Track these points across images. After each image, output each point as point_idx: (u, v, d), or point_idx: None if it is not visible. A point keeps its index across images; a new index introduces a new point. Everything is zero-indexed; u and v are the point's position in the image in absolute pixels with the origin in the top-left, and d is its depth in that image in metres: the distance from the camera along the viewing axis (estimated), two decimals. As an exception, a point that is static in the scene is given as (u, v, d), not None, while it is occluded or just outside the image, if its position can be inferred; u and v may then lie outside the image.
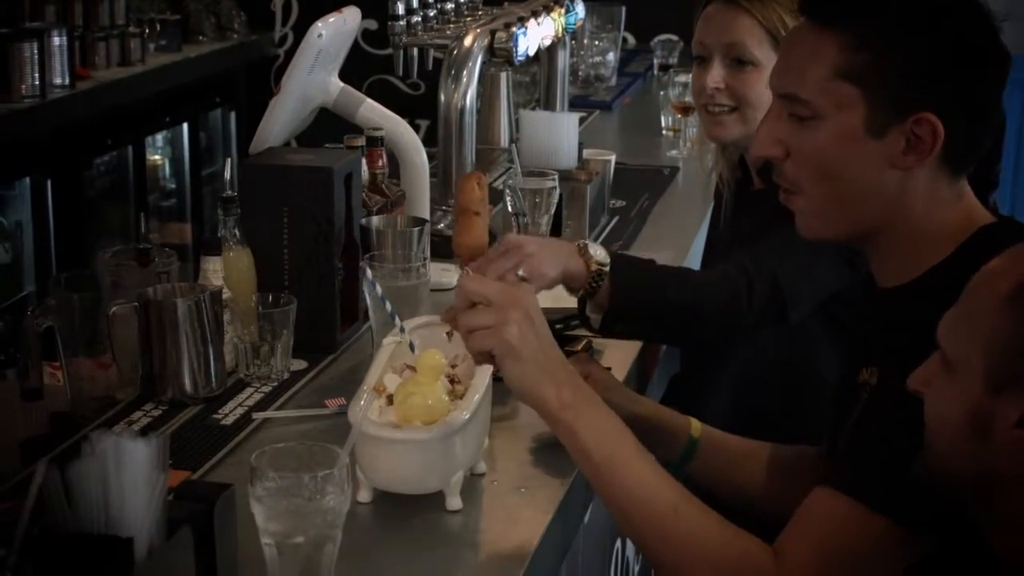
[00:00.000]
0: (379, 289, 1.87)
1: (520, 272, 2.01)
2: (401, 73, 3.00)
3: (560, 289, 2.48)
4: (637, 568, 3.07)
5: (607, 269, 2.13)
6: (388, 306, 1.82)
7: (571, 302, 2.42)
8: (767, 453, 2.02)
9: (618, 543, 2.77)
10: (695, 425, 2.02)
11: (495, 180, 3.23)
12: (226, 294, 2.10)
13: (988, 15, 1.68)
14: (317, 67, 2.45)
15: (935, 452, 1.47)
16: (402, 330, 1.80)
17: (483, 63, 2.90)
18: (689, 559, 1.62)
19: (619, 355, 2.30)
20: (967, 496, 1.48)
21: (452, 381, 1.78)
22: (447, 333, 1.75)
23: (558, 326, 2.27)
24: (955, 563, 1.58)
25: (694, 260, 2.94)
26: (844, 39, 1.66)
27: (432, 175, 2.74)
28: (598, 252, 2.15)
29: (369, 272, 1.87)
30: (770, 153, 1.74)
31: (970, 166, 1.72)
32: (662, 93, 4.07)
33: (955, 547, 1.56)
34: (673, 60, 4.88)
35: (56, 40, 4.39)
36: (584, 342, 2.28)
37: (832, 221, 1.73)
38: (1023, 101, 5.90)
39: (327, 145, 2.61)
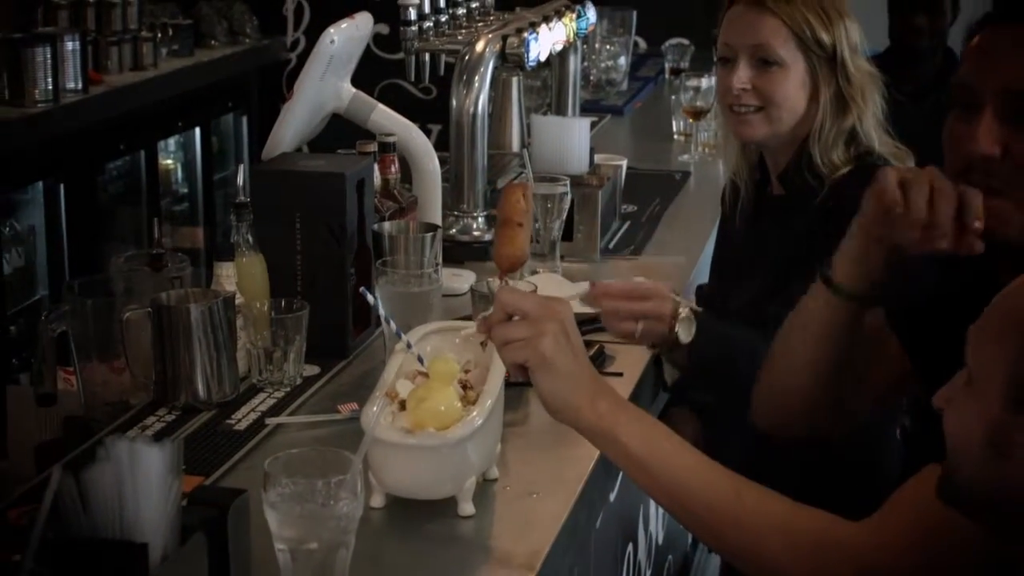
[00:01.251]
0: (382, 311, 1.87)
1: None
2: (413, 78, 3.01)
3: (567, 291, 2.49)
4: (649, 572, 3.07)
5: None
6: (393, 326, 1.82)
7: (586, 308, 2.43)
8: None
9: (630, 547, 2.77)
10: None
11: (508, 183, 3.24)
12: (239, 299, 2.11)
13: None
14: (329, 73, 2.46)
15: (958, 469, 1.47)
16: (409, 346, 1.80)
17: (495, 68, 2.90)
18: (762, 537, 1.61)
19: (631, 360, 2.30)
20: (992, 513, 1.47)
21: (464, 387, 1.78)
22: (481, 343, 1.76)
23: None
24: None
25: (705, 264, 2.95)
26: None
27: (444, 180, 2.75)
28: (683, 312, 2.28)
29: (369, 296, 1.87)
30: (992, 151, 1.66)
31: None
32: (673, 97, 4.07)
33: None
34: (684, 64, 4.88)
35: (69, 45, 4.39)
36: (596, 347, 2.28)
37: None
38: None
39: (339, 151, 2.61)
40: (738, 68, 2.50)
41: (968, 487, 1.44)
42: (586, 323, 2.33)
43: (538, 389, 1.66)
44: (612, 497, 2.38)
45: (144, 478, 1.33)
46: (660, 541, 3.20)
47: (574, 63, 3.61)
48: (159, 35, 5.12)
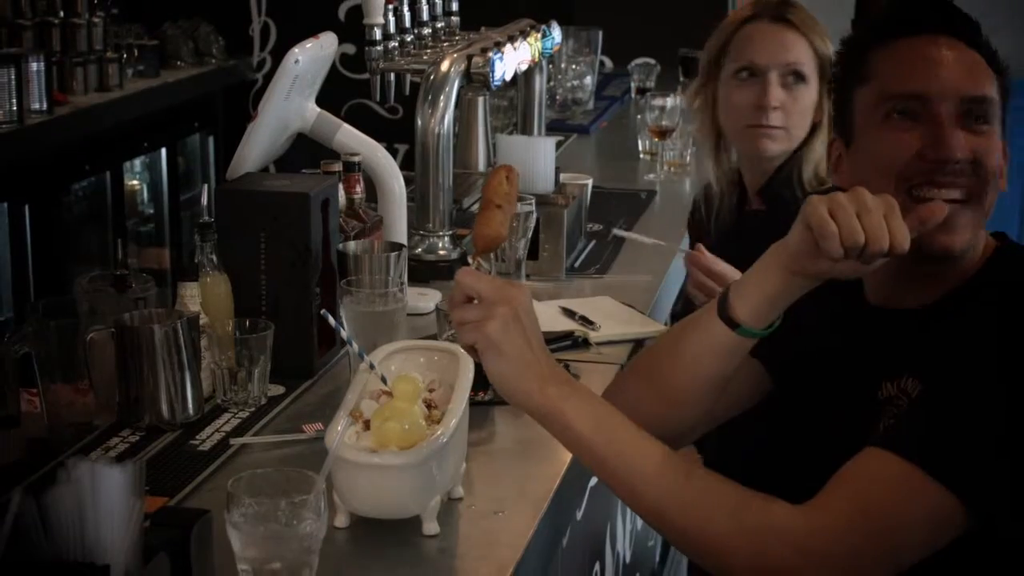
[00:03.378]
0: (344, 333, 1.88)
1: None
2: (378, 98, 3.01)
3: (549, 315, 2.52)
4: (616, 591, 3.07)
5: None
6: (355, 347, 1.83)
7: (558, 326, 2.45)
8: None
9: (597, 566, 2.78)
10: None
11: (472, 204, 3.24)
12: (203, 320, 2.11)
13: None
14: (294, 93, 2.46)
15: None
16: (372, 367, 1.81)
17: (460, 88, 2.91)
18: (711, 517, 1.61)
19: (596, 378, 2.30)
20: None
21: (429, 406, 1.78)
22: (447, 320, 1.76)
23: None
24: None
25: (671, 283, 2.96)
26: (985, 60, 1.76)
27: (409, 200, 2.75)
28: None
29: (330, 319, 1.87)
30: (965, 152, 1.72)
31: None
32: (639, 117, 4.09)
33: None
34: (650, 84, 4.90)
35: (34, 66, 4.39)
36: (561, 365, 2.27)
37: (978, 235, 1.77)
38: (1008, 125, 5.95)
39: (304, 171, 2.61)
40: (771, 85, 2.56)
41: None
42: (553, 341, 2.34)
43: (487, 371, 1.67)
44: (579, 515, 2.38)
45: (106, 500, 1.32)
46: (628, 559, 3.20)
47: (540, 83, 3.62)
48: (125, 56, 5.12)
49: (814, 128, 2.63)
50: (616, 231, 2.85)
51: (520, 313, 1.66)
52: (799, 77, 2.60)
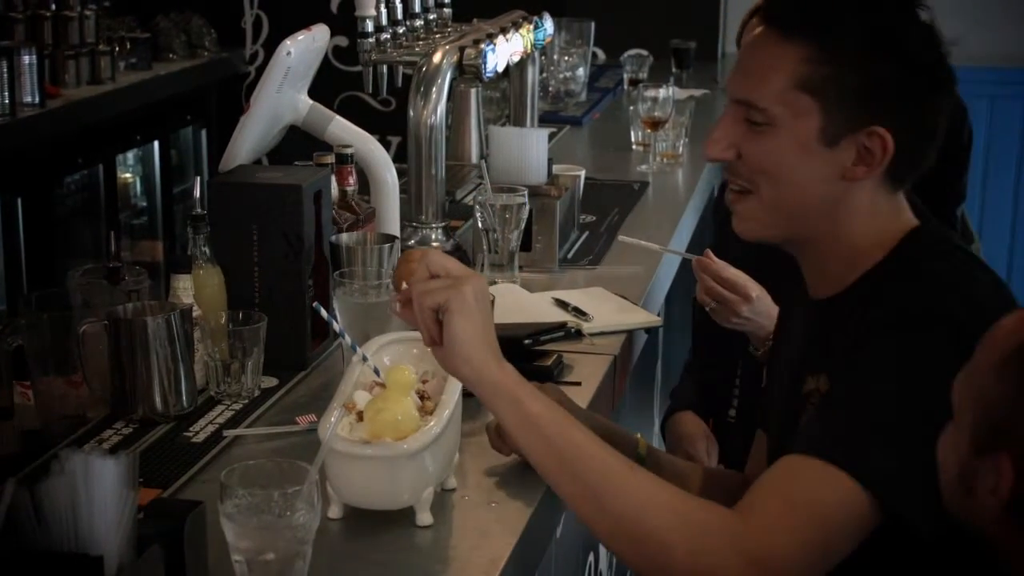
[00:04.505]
0: (337, 325, 1.88)
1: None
2: (370, 90, 3.01)
3: (542, 306, 2.52)
4: (610, 582, 3.08)
5: None
6: (348, 339, 1.83)
7: (545, 318, 2.45)
8: (704, 474, 2.09)
9: (591, 557, 2.78)
10: (642, 443, 2.06)
11: (465, 196, 3.25)
12: (196, 312, 2.11)
13: (941, 41, 1.74)
14: (286, 85, 2.46)
15: (944, 495, 1.50)
16: (364, 359, 1.81)
17: (452, 79, 2.91)
18: (648, 508, 1.59)
19: (589, 369, 2.31)
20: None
21: (422, 397, 1.79)
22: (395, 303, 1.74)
23: (527, 341, 2.29)
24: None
25: (663, 274, 2.96)
26: (805, 51, 1.71)
27: (402, 192, 2.75)
28: None
29: (322, 312, 1.87)
30: (723, 156, 1.79)
31: (909, 183, 1.80)
32: (632, 108, 4.08)
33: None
34: (643, 75, 4.90)
35: (25, 59, 4.38)
36: (554, 356, 2.29)
37: (773, 225, 1.80)
38: (989, 113, 5.96)
39: (297, 163, 2.61)
40: None
41: (954, 515, 1.49)
42: (545, 332, 2.35)
43: (452, 330, 1.65)
44: (572, 506, 2.38)
45: (99, 491, 1.33)
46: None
47: (532, 74, 3.62)
48: (117, 49, 5.11)
49: None
50: (622, 238, 2.84)
51: (483, 297, 1.68)
52: None
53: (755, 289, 2.49)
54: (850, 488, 1.57)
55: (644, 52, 5.05)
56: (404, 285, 1.74)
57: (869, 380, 1.64)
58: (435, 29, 3.26)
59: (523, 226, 2.73)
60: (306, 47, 2.48)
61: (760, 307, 2.48)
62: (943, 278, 1.71)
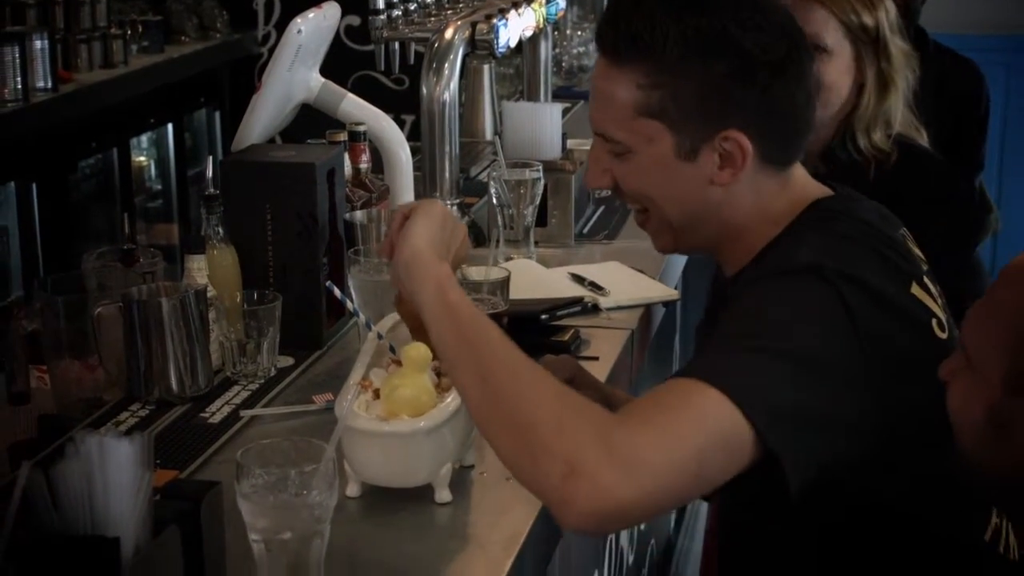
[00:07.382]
0: (351, 304, 1.87)
1: None
2: (383, 68, 3.00)
3: (558, 281, 2.51)
4: (631, 558, 3.07)
5: None
6: (362, 318, 1.82)
7: (561, 293, 2.44)
8: None
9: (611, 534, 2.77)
10: None
11: (480, 172, 3.23)
12: (211, 292, 2.10)
13: (769, 23, 1.72)
14: (297, 63, 2.45)
15: (961, 446, 1.48)
16: (380, 336, 1.80)
17: (465, 56, 2.89)
18: (543, 394, 1.52)
19: (607, 344, 2.30)
20: (999, 490, 1.48)
21: (438, 374, 1.78)
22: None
23: (543, 316, 2.28)
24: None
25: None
26: (636, 77, 1.73)
27: (416, 169, 2.74)
28: None
29: (336, 291, 1.87)
30: (601, 184, 1.82)
31: (794, 158, 1.80)
32: (646, 81, 4.05)
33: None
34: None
35: (38, 43, 4.37)
36: (572, 331, 2.28)
37: (675, 238, 1.83)
38: (1006, 80, 5.91)
39: (309, 141, 2.60)
40: None
41: (972, 461, 1.47)
42: (562, 307, 2.33)
43: (409, 225, 1.68)
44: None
45: (114, 472, 1.32)
46: (642, 526, 3.20)
47: (545, 49, 3.60)
48: (129, 32, 5.10)
49: (860, 92, 2.67)
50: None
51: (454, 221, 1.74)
52: (819, 46, 2.61)
53: None
54: (717, 399, 1.51)
55: (657, 25, 5.02)
56: None
57: (736, 318, 1.65)
58: (446, 5, 3.25)
59: (538, 201, 2.72)
60: (317, 25, 2.46)
61: None
62: (816, 242, 1.70)
